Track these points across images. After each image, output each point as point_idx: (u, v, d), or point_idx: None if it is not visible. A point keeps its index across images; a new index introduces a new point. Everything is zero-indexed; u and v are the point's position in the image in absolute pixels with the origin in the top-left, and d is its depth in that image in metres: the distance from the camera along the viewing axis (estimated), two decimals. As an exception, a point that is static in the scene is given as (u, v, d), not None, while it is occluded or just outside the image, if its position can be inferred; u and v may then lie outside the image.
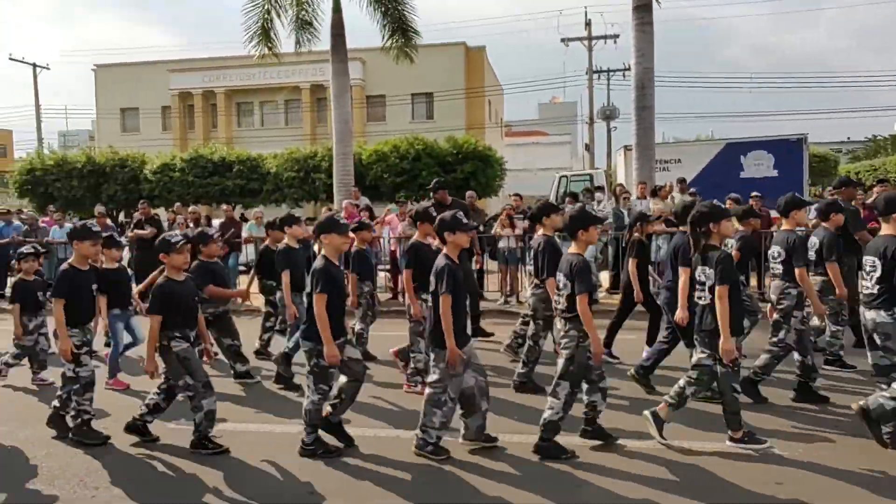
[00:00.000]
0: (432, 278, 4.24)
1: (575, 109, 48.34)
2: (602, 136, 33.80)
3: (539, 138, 48.10)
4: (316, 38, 15.19)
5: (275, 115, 37.15)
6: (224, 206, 13.28)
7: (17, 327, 5.96)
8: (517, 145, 44.71)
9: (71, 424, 4.67)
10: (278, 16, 14.93)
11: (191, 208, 13.32)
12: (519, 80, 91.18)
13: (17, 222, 12.84)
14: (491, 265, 10.98)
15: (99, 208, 12.70)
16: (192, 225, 11.66)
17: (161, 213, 18.70)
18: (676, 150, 18.54)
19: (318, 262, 4.34)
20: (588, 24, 30.76)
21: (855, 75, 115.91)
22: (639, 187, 11.99)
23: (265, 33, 14.89)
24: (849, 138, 57.01)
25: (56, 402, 4.79)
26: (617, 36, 30.86)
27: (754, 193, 10.70)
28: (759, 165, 16.55)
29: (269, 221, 7.76)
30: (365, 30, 42.03)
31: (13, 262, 12.31)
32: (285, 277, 6.07)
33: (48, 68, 37.22)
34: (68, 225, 12.70)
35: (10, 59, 35.42)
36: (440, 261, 4.27)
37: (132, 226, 11.26)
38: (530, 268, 7.06)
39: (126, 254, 11.90)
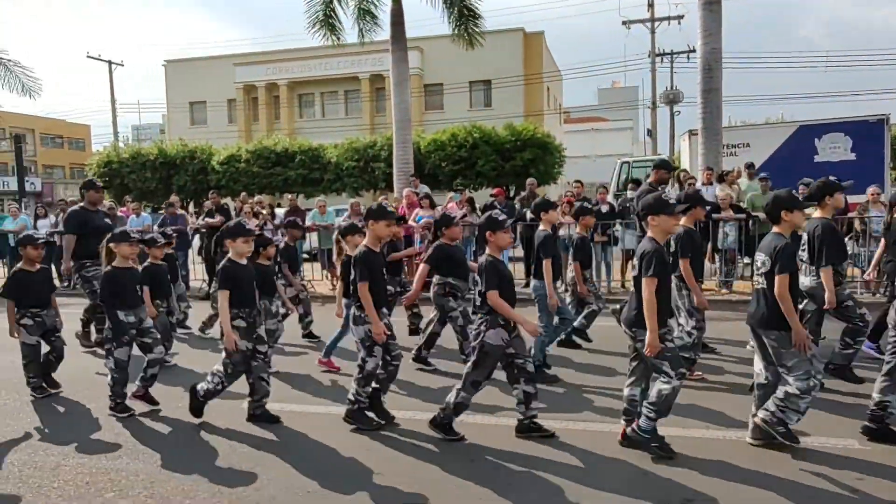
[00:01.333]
0: (786, 262, 3.97)
1: (636, 94, 47.19)
2: (664, 122, 32.82)
3: (599, 124, 47.19)
4: (377, 28, 15.38)
5: (335, 105, 37.79)
6: (289, 196, 13.65)
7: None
8: (576, 132, 44.00)
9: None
10: (339, 3, 15.19)
11: (256, 198, 13.74)
12: (578, 65, 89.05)
13: (97, 212, 13.59)
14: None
15: (173, 198, 13.25)
16: (263, 212, 12.04)
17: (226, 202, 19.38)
18: (745, 134, 17.84)
19: (648, 245, 4.00)
20: (651, 4, 29.87)
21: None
22: (705, 173, 11.61)
23: (327, 21, 15.17)
24: (935, 118, 53.35)
25: (350, 396, 4.56)
26: (681, 17, 29.87)
27: (830, 177, 10.19)
28: (834, 149, 15.76)
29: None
30: (423, 19, 41.79)
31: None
32: (548, 265, 5.66)
33: (122, 65, 39.00)
34: (145, 214, 13.37)
35: (88, 56, 37.27)
36: (787, 244, 4.00)
37: (203, 215, 11.71)
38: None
39: (196, 242, 12.45)
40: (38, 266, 5.50)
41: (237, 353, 4.54)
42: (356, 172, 23.31)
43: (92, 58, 37.17)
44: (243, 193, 16.08)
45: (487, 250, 4.29)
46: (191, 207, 23.32)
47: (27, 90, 17.22)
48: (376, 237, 4.53)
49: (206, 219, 11.37)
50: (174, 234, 7.70)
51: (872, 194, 9.41)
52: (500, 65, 33.12)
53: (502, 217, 4.38)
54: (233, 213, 12.54)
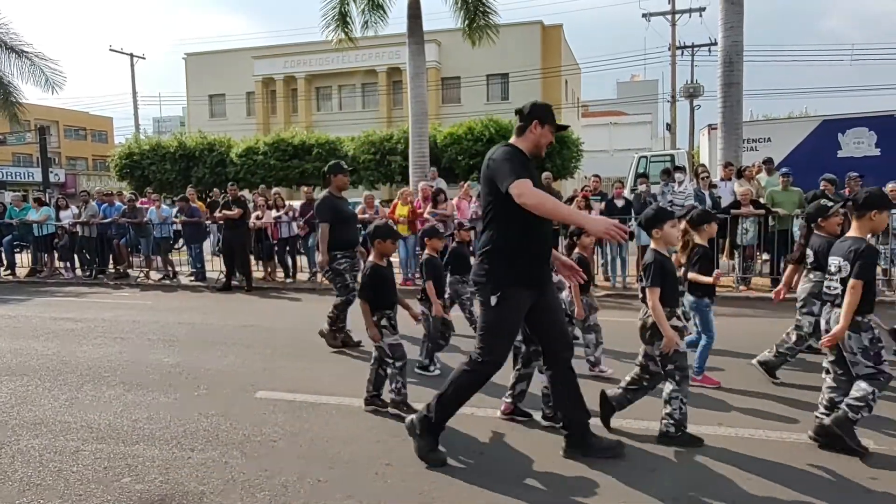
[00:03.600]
0: None
1: (655, 88, 46.73)
2: (684, 116, 32.48)
3: (617, 118, 46.81)
4: (384, 21, 15.38)
5: (352, 98, 37.92)
6: (304, 188, 13.74)
7: (578, 307, 5.40)
8: (595, 126, 43.68)
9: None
10: (354, 1, 15.20)
11: (273, 190, 13.83)
12: (597, 59, 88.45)
13: (118, 203, 13.80)
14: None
15: (190, 190, 13.42)
16: (287, 203, 12.12)
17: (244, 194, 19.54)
18: (766, 129, 17.64)
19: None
20: (672, -3, 29.56)
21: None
22: (724, 169, 11.49)
23: (342, 18, 15.21)
24: (964, 114, 52.09)
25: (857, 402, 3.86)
26: (703, 9, 29.59)
27: (852, 173, 10.04)
28: (858, 144, 15.54)
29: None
30: (441, 12, 41.50)
31: (115, 240, 13.35)
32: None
33: (144, 58, 39.45)
34: (165, 206, 13.51)
35: (110, 49, 37.77)
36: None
37: (220, 207, 11.81)
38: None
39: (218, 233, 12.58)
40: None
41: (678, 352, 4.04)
42: (372, 165, 23.40)
43: (114, 51, 37.70)
44: (262, 186, 16.21)
45: None
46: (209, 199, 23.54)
47: (50, 84, 17.49)
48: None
49: (224, 211, 11.47)
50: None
51: (892, 190, 9.24)
52: (517, 58, 32.99)
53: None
54: (250, 205, 12.64)
